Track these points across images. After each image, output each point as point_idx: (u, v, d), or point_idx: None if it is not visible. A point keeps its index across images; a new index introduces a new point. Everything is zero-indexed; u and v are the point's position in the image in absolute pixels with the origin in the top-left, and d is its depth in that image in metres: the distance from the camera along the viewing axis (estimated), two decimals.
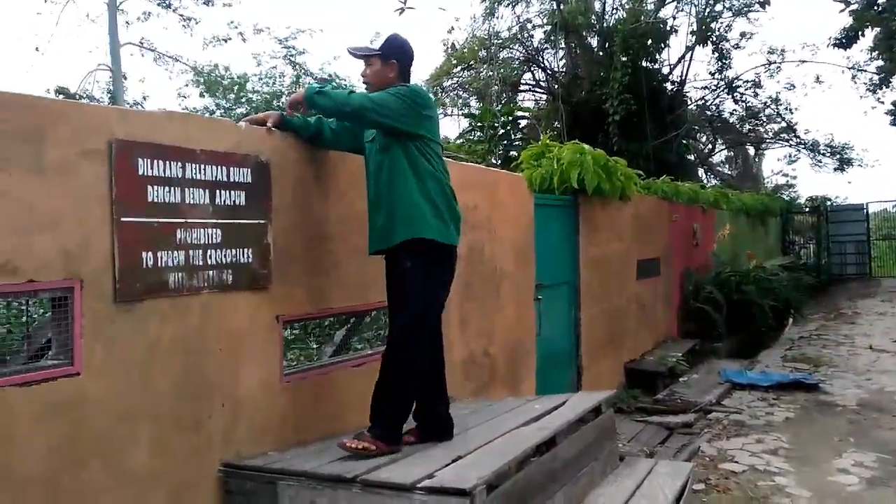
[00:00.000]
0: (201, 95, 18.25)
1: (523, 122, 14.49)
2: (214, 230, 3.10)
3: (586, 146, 6.60)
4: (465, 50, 16.09)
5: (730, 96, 19.56)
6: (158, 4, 20.41)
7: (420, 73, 19.03)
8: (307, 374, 3.66)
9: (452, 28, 17.10)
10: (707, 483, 5.08)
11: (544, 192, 6.31)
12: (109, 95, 18.09)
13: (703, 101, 19.51)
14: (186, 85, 19.49)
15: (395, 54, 3.48)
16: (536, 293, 5.98)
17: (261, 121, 3.45)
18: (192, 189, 3.01)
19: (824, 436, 6.15)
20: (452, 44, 16.46)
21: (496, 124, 10.99)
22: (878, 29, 16.02)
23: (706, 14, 16.84)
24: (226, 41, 19.81)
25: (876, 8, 15.21)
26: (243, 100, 17.66)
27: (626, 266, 8.09)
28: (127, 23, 20.44)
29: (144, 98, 20.68)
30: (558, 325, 6.49)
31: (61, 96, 14.89)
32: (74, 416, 2.58)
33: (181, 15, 20.61)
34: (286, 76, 18.19)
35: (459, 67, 16.47)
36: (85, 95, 17.27)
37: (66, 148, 2.56)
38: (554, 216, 6.39)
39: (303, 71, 17.88)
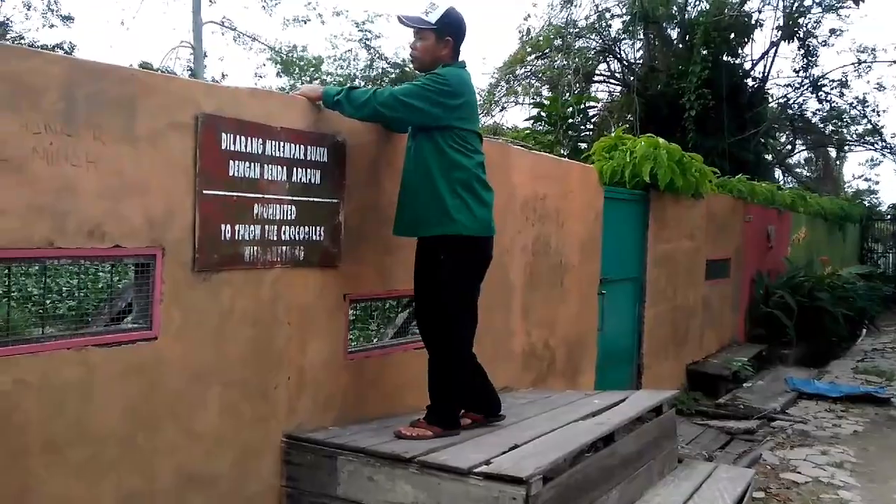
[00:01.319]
0: (278, 75, 18.67)
1: (593, 113, 14.28)
2: (290, 207, 3.18)
3: (661, 140, 6.46)
4: (541, 38, 15.90)
5: (814, 95, 18.77)
6: None
7: (494, 61, 18.89)
8: (370, 353, 3.72)
9: (528, 16, 16.92)
10: (767, 492, 4.96)
11: (615, 185, 6.22)
12: (190, 72, 18.64)
13: (784, 99, 18.81)
14: (264, 64, 19.97)
15: (452, 31, 3.30)
16: (601, 288, 5.92)
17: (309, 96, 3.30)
18: (270, 165, 3.08)
19: (894, 452, 5.91)
20: (528, 30, 16.29)
21: (565, 114, 10.85)
22: None
23: (794, 9, 16.20)
24: (305, 22, 20.14)
25: None
26: (318, 80, 17.93)
27: (695, 265, 7.91)
28: (210, 2, 21.01)
29: (223, 76, 21.27)
30: (621, 321, 6.41)
31: None
32: (150, 377, 2.69)
33: None
34: (360, 59, 18.39)
35: (534, 56, 16.29)
36: (167, 71, 17.81)
37: (155, 119, 2.65)
38: (623, 210, 6.29)
39: (377, 55, 18.03)
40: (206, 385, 2.89)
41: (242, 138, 2.96)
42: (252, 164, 3.00)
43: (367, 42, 18.29)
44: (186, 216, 2.78)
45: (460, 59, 3.41)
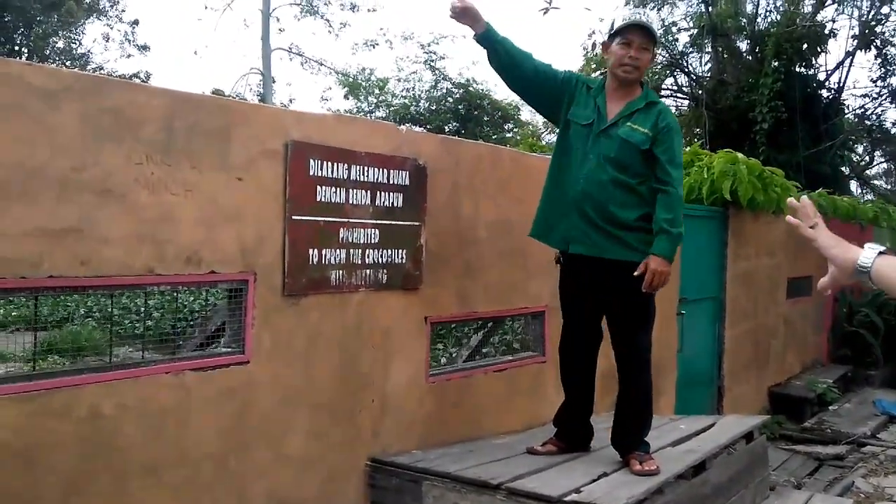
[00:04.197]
0: (345, 97, 19.00)
1: None
2: (373, 230, 3.20)
3: (740, 155, 6.29)
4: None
5: (893, 105, 18.04)
6: (306, 11, 21.44)
7: None
8: (451, 376, 3.70)
9: (593, 31, 16.78)
10: None
11: (692, 202, 6.07)
12: (259, 98, 19.19)
13: (862, 110, 18.12)
14: (330, 88, 20.42)
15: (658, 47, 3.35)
16: (679, 308, 5.76)
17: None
18: (355, 190, 3.11)
19: None
20: (593, 45, 16.17)
21: None
22: None
23: (870, 16, 15.64)
24: (373, 46, 20.50)
25: None
26: (383, 103, 18.20)
27: (776, 284, 7.64)
28: (280, 29, 21.63)
29: (291, 100, 21.86)
30: (700, 341, 6.22)
31: None
32: (242, 401, 2.74)
33: (327, 20, 21.55)
34: (425, 81, 18.58)
35: (599, 71, 16.17)
36: (237, 97, 18.41)
37: (248, 148, 2.72)
38: (701, 227, 6.13)
39: (441, 76, 18.18)
40: (294, 408, 2.92)
41: (329, 164, 3.00)
42: (338, 189, 3.04)
43: (432, 63, 18.47)
44: (277, 242, 2.83)
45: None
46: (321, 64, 20.95)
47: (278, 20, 21.28)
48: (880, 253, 1.13)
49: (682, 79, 16.95)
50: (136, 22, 22.44)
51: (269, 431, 2.83)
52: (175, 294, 5.46)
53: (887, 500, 5.15)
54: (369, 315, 3.22)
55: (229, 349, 2.75)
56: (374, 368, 3.25)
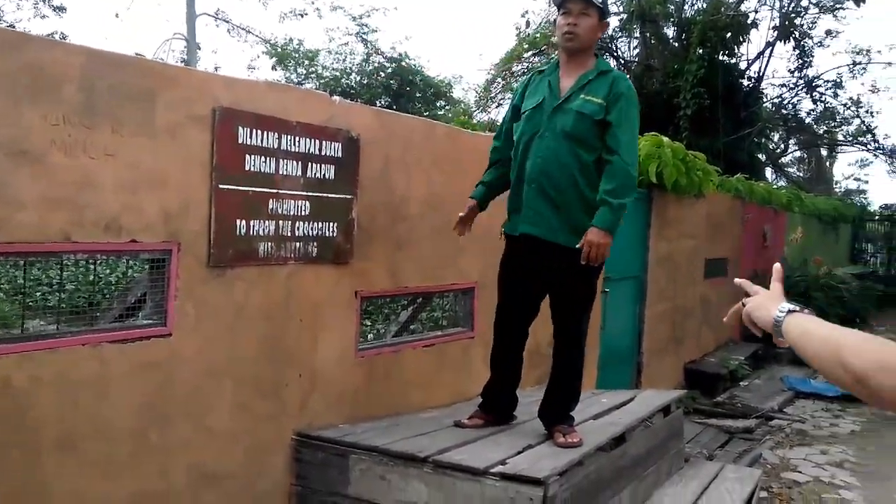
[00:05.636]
0: (273, 68, 18.52)
1: None
2: (304, 202, 3.14)
3: (665, 139, 6.45)
4: (538, 35, 15.88)
5: (808, 95, 18.88)
6: None
7: (491, 56, 18.82)
8: (380, 351, 3.69)
9: (526, 11, 16.88)
10: (770, 491, 4.97)
11: None
12: (183, 64, 18.50)
13: (779, 99, 18.89)
14: (258, 57, 19.87)
15: (607, 15, 3.20)
16: (603, 286, 5.90)
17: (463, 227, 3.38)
18: (286, 160, 3.04)
19: (892, 451, 5.95)
20: (526, 24, 16.27)
21: None
22: None
23: (791, 9, 16.25)
24: (302, 16, 20.01)
25: None
26: (313, 74, 17.84)
27: (694, 264, 7.93)
28: None
29: (216, 68, 21.12)
30: (622, 320, 6.40)
31: None
32: (164, 374, 2.66)
33: None
34: (356, 54, 18.29)
35: (531, 52, 16.26)
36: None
37: (174, 112, 2.61)
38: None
39: (374, 49, 17.92)
40: (219, 381, 2.86)
41: (259, 132, 2.92)
42: (268, 158, 2.97)
43: (364, 36, 18.19)
44: (202, 211, 2.74)
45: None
46: (248, 31, 20.34)
47: None
48: (790, 311, 1.19)
49: (612, 62, 17.24)
50: None
51: (193, 405, 2.77)
52: (92, 265, 5.27)
53: (792, 470, 5.45)
54: (298, 288, 3.18)
55: (150, 321, 2.66)
56: (301, 342, 3.21)
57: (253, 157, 2.90)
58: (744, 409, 7.02)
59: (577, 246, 2.99)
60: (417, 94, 17.68)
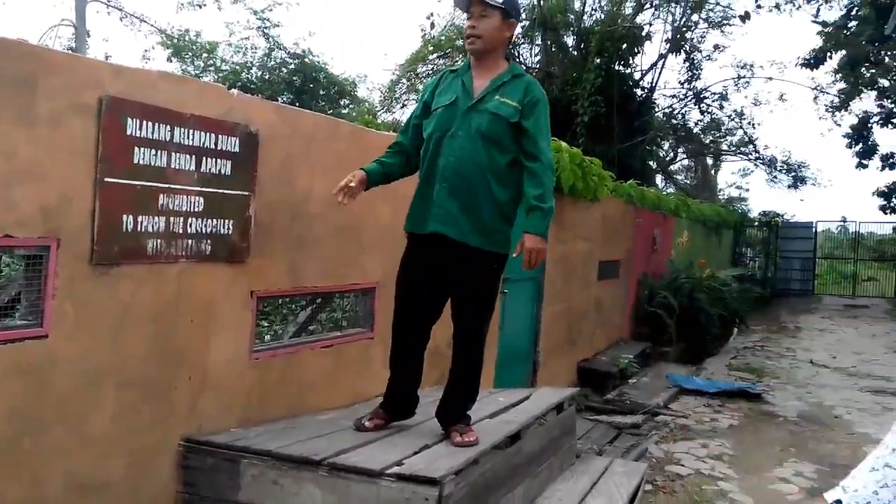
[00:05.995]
0: (168, 60, 17.80)
1: None
2: (197, 198, 3.03)
3: (563, 144, 6.63)
4: (443, 37, 16.00)
5: (696, 107, 19.92)
6: None
7: (396, 57, 18.81)
8: (276, 352, 3.61)
9: (432, 13, 16.96)
10: (654, 484, 5.19)
11: None
12: (71, 52, 17.49)
13: (670, 109, 19.82)
14: (153, 47, 19.01)
15: (517, 14, 3.17)
16: (503, 287, 6.00)
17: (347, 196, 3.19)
18: (178, 154, 2.93)
19: (767, 445, 6.34)
20: (431, 25, 16.35)
21: None
22: (844, 52, 16.53)
23: (682, 23, 17.09)
24: (200, 7, 19.30)
25: (846, 31, 15.65)
26: (212, 67, 17.27)
27: (589, 266, 8.19)
28: None
29: (107, 57, 20.06)
30: (520, 320, 6.53)
31: None
32: (40, 378, 2.50)
33: None
34: (258, 48, 17.83)
35: (436, 55, 16.37)
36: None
37: (56, 100, 2.46)
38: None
39: (276, 44, 17.53)
40: (100, 385, 2.71)
41: (150, 124, 2.79)
42: (159, 151, 2.84)
43: (266, 31, 17.75)
44: (85, 205, 2.60)
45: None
46: (142, 20, 19.43)
47: None
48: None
49: None
50: None
51: (71, 410, 2.61)
52: None
53: (675, 464, 5.71)
54: (190, 287, 3.06)
55: (25, 322, 2.50)
56: (192, 344, 3.10)
57: (142, 149, 2.77)
58: (632, 405, 7.30)
59: (514, 255, 3.05)
60: (321, 92, 17.43)
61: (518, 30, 16.62)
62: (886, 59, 16.91)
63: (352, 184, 3.16)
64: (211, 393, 3.20)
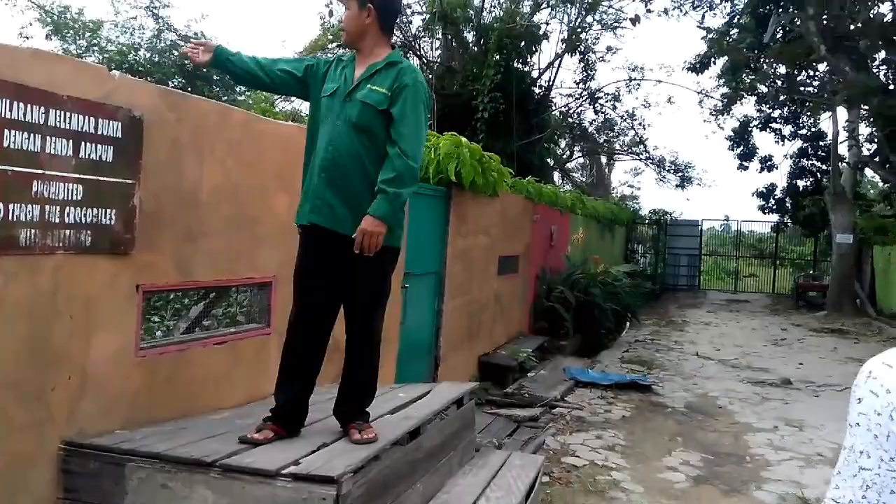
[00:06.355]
0: (48, 38, 16.70)
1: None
2: (76, 185, 2.82)
3: (464, 139, 6.66)
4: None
5: (591, 106, 20.56)
6: None
7: (294, 45, 18.35)
8: (165, 349, 3.43)
9: (331, 1, 16.65)
10: (551, 475, 5.29)
11: (420, 181, 6.30)
12: None
13: (566, 108, 20.36)
14: (30, 24, 17.76)
15: (374, 2, 3.13)
16: (403, 282, 5.97)
17: (192, 53, 3.20)
18: (53, 138, 2.72)
19: (656, 434, 6.60)
20: (330, 13, 16.07)
21: None
22: (726, 59, 17.45)
23: (577, 24, 17.56)
24: None
25: (728, 39, 16.51)
26: (96, 47, 16.34)
27: (489, 261, 8.27)
28: None
29: None
30: (421, 314, 6.52)
31: None
32: None
33: None
34: (146, 29, 17.00)
35: (335, 44, 16.12)
36: None
37: None
38: (426, 205, 6.39)
39: (166, 26, 16.78)
40: None
41: (21, 105, 2.58)
42: (31, 135, 2.63)
43: (155, 11, 16.95)
44: None
45: (392, 38, 3.29)
46: None
47: None
48: None
49: (415, 61, 17.56)
50: None
51: None
52: None
53: (571, 455, 5.85)
54: (68, 281, 2.85)
55: None
56: (71, 342, 2.89)
57: (13, 132, 2.55)
58: (530, 398, 7.43)
59: (353, 236, 2.94)
60: (215, 77, 16.80)
61: (418, 22, 16.76)
62: (765, 67, 17.99)
63: (200, 47, 3.24)
64: (93, 393, 3.00)
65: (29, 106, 2.60)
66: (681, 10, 18.06)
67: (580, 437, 6.39)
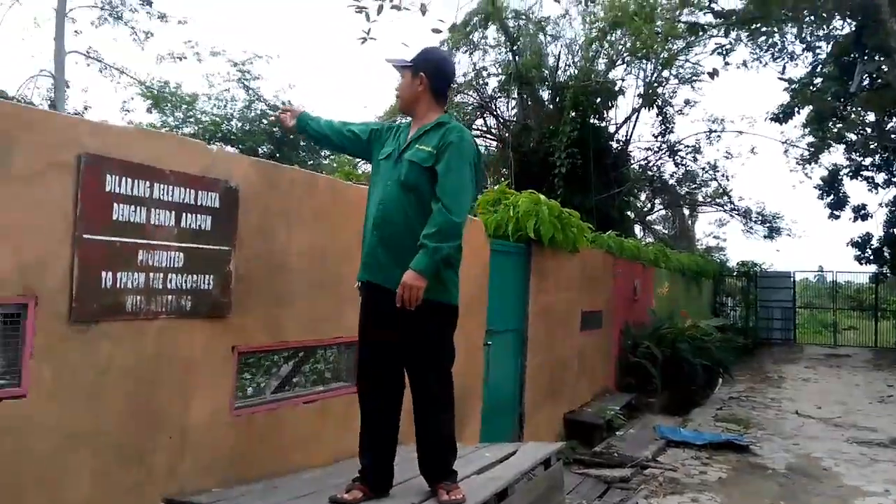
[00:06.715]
0: (148, 111, 17.89)
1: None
2: (177, 254, 3.00)
3: (542, 196, 6.69)
4: None
5: (671, 159, 20.29)
6: (110, 15, 20.08)
7: (376, 109, 19.01)
8: (258, 409, 3.53)
9: None
10: None
11: (499, 238, 6.35)
12: (49, 103, 17.57)
13: (645, 161, 20.16)
14: (132, 98, 19.09)
15: (426, 68, 3.28)
16: (486, 339, 5.97)
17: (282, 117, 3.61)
18: (158, 210, 2.91)
19: (756, 498, 6.26)
20: None
21: None
22: (811, 108, 16.98)
23: (653, 79, 17.52)
24: (181, 59, 19.52)
25: (812, 88, 16.10)
26: (192, 118, 17.37)
27: (571, 317, 8.18)
28: (76, 31, 20.03)
29: (86, 108, 20.20)
30: (504, 371, 6.48)
31: None
32: (17, 440, 2.43)
33: (132, 28, 20.31)
34: (238, 100, 18.00)
35: None
36: (24, 101, 16.73)
37: (32, 158, 2.45)
38: (507, 262, 6.42)
39: (256, 96, 17.72)
40: (77, 448, 2.63)
41: (129, 180, 2.78)
42: (138, 207, 2.83)
43: (246, 83, 17.95)
44: (63, 263, 2.56)
45: (446, 104, 3.42)
46: (122, 72, 19.58)
47: (74, 21, 19.73)
48: None
49: (492, 121, 17.89)
50: None
51: (47, 474, 2.53)
52: None
53: None
54: (170, 344, 3.00)
55: (3, 381, 2.43)
56: (173, 402, 3.02)
57: (121, 206, 2.75)
58: (620, 458, 7.20)
59: (398, 290, 2.97)
60: (301, 143, 17.54)
61: (494, 83, 17.08)
62: (852, 116, 17.40)
63: (287, 112, 3.61)
64: (192, 452, 3.12)
65: (136, 181, 2.81)
66: (760, 62, 17.79)
67: (675, 499, 6.13)
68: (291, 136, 17.39)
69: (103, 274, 2.69)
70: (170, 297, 2.98)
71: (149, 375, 2.91)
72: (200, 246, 3.10)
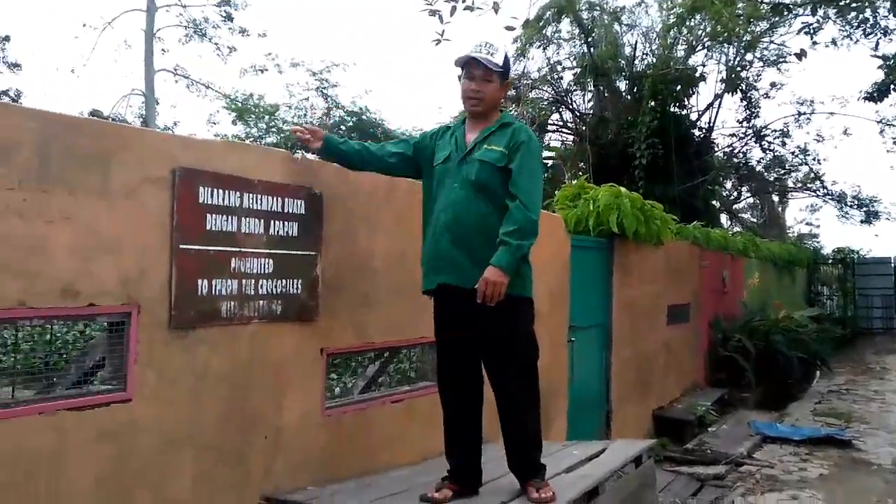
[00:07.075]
0: (233, 123, 18.55)
1: (550, 163, 14.55)
2: (267, 260, 3.11)
3: (623, 189, 6.58)
4: None
5: (757, 144, 19.53)
6: (194, 32, 20.94)
7: (450, 109, 19.09)
8: (347, 409, 3.62)
9: None
10: None
11: (580, 233, 6.28)
12: (141, 120, 18.46)
13: (730, 148, 19.50)
14: (217, 111, 19.88)
15: (508, 76, 3.31)
16: (570, 335, 5.92)
17: (305, 140, 3.31)
18: (247, 218, 3.02)
19: (861, 495, 5.97)
20: None
21: None
22: None
23: (736, 63, 16.92)
24: (262, 71, 20.16)
25: None
26: (273, 129, 17.90)
27: (657, 310, 8.01)
28: (163, 50, 20.96)
29: (175, 123, 21.13)
30: (589, 368, 6.40)
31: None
32: (124, 442, 2.56)
33: (215, 43, 21.11)
34: (317, 108, 18.43)
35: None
36: (118, 119, 17.63)
37: (130, 174, 2.58)
38: (589, 258, 6.35)
39: (334, 104, 18.11)
40: (179, 449, 2.76)
41: (220, 191, 2.90)
42: (229, 217, 2.94)
43: (324, 91, 18.37)
44: (162, 272, 2.69)
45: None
46: (208, 87, 20.39)
47: (161, 40, 20.68)
48: None
49: (567, 115, 17.66)
50: (6, 38, 21.12)
51: (152, 475, 2.66)
52: (49, 326, 5.09)
53: None
54: (262, 348, 3.11)
55: (110, 386, 2.58)
56: (266, 404, 3.13)
57: (214, 216, 2.87)
58: (714, 455, 7.00)
59: (476, 286, 2.96)
60: None
61: (569, 77, 16.88)
62: None
63: (307, 135, 3.31)
64: (286, 451, 3.22)
65: (226, 191, 2.92)
66: (851, 39, 16.89)
67: (773, 497, 5.91)
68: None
69: (199, 282, 2.81)
70: (261, 302, 3.09)
71: (243, 379, 3.03)
72: (288, 252, 3.20)
